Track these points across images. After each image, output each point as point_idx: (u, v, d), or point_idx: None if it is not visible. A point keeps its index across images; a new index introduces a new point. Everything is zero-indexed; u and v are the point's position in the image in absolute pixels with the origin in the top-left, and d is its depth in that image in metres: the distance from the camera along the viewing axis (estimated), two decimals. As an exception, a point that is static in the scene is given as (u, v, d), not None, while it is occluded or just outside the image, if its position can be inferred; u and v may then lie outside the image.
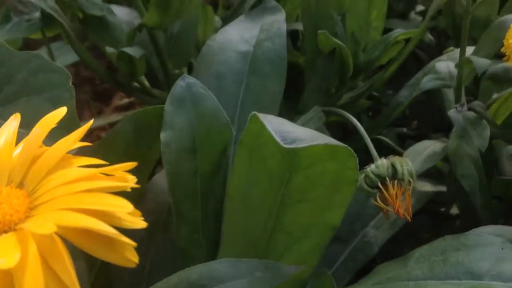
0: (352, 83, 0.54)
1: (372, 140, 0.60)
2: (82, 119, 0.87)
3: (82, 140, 0.23)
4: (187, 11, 0.45)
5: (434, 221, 0.57)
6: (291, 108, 0.57)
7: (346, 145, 0.26)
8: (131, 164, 0.20)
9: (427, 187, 0.51)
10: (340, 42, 0.46)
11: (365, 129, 0.62)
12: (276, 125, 0.25)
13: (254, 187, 0.32)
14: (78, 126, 0.32)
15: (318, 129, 0.48)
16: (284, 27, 0.47)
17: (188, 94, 0.36)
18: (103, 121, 0.78)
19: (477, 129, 0.44)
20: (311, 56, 0.52)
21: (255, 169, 0.31)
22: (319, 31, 0.46)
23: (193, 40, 0.52)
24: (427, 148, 0.48)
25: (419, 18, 0.77)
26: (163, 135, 0.34)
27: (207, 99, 0.36)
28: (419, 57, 0.76)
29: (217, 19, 0.66)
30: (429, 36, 0.73)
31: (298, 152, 0.27)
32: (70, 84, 0.32)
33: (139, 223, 0.19)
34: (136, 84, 0.53)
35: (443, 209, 0.54)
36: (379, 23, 0.52)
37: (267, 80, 0.45)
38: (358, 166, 0.28)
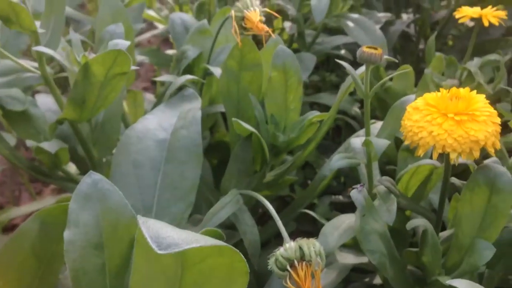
0: (275, 162, 0.56)
1: (301, 213, 0.62)
2: (21, 202, 0.86)
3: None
4: (105, 105, 0.46)
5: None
6: (217, 189, 0.58)
7: (227, 244, 0.28)
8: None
9: (349, 258, 0.52)
10: (252, 129, 0.48)
11: (297, 199, 0.64)
12: (154, 230, 0.26)
13: (153, 282, 0.32)
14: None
15: (238, 211, 0.50)
16: (199, 114, 0.49)
17: (94, 191, 0.37)
18: (41, 204, 0.78)
19: (386, 203, 0.46)
20: (233, 139, 0.55)
21: (152, 265, 0.32)
22: (232, 119, 0.48)
23: (117, 129, 0.54)
24: (344, 223, 0.50)
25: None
26: (66, 234, 0.35)
27: (113, 194, 0.37)
28: (352, 127, 0.80)
29: (147, 102, 0.68)
30: (355, 109, 0.77)
31: (187, 250, 0.29)
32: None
33: None
34: (61, 173, 0.53)
35: (367, 279, 0.56)
36: (296, 105, 0.55)
37: (183, 166, 0.47)
38: (244, 258, 0.30)
